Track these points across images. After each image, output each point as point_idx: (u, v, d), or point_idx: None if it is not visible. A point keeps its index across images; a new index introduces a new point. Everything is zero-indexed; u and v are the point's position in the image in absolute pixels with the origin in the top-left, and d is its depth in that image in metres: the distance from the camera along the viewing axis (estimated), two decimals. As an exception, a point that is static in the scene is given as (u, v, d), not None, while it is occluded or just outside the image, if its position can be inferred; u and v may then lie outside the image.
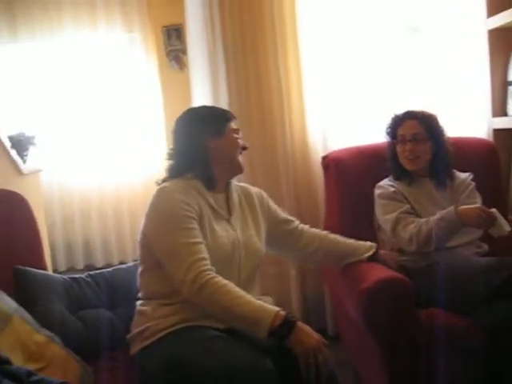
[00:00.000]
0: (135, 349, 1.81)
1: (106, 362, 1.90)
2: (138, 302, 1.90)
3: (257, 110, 2.98)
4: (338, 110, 3.02)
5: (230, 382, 1.50)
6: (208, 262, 1.71)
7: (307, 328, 1.61)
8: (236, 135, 1.94)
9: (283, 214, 2.11)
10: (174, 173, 1.90)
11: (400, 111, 2.43)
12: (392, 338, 1.93)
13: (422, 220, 2.21)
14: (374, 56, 3.03)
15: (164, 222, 1.78)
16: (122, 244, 4.02)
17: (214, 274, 1.67)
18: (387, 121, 2.47)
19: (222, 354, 1.57)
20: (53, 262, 3.68)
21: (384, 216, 2.32)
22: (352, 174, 2.60)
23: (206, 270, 1.67)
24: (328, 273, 2.52)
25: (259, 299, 1.86)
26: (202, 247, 1.74)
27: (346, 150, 2.73)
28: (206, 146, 1.87)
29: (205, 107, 2.13)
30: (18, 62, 3.81)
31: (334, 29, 2.99)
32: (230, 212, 1.92)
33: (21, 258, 2.01)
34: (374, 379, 2.18)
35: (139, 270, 1.92)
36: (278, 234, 2.07)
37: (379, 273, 1.98)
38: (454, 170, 2.43)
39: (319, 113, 2.97)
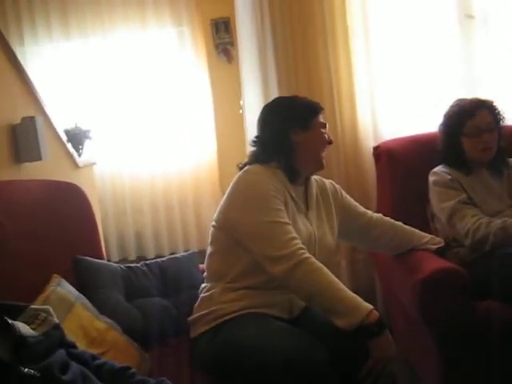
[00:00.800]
0: (196, 331, 1.83)
1: (161, 350, 1.95)
2: (204, 285, 1.91)
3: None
4: (388, 99, 2.97)
5: (283, 374, 1.50)
6: (300, 241, 1.68)
7: (390, 337, 1.59)
8: (323, 130, 1.89)
9: (358, 208, 2.06)
10: (259, 159, 1.88)
11: (456, 102, 2.38)
12: (447, 330, 1.90)
13: (484, 220, 2.14)
14: (428, 42, 2.96)
15: (253, 202, 1.75)
16: (172, 235, 4.08)
17: (309, 255, 1.65)
18: (450, 114, 2.38)
19: (279, 344, 1.57)
20: (106, 253, 3.77)
21: (440, 204, 2.28)
22: (405, 164, 2.56)
23: (302, 248, 1.65)
24: (380, 262, 2.50)
25: None
26: (292, 228, 1.71)
27: (398, 139, 2.70)
28: (290, 139, 1.85)
29: (293, 98, 2.02)
30: (71, 60, 3.89)
31: (386, 14, 2.94)
32: (307, 206, 1.90)
33: (80, 247, 2.06)
34: (428, 372, 2.15)
35: (208, 251, 1.91)
36: (352, 227, 2.04)
37: (435, 263, 1.95)
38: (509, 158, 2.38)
39: (370, 102, 2.94)
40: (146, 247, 4.09)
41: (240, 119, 3.60)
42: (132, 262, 3.81)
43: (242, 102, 3.28)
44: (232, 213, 1.80)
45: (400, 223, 2.09)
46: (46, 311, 1.23)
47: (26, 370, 1.01)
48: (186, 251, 3.76)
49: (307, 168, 1.89)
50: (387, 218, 2.08)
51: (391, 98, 2.98)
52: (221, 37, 4.06)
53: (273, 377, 1.52)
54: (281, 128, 1.86)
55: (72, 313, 1.69)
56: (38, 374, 1.02)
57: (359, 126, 2.95)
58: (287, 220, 1.72)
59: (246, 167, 1.86)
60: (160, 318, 1.99)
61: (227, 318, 1.74)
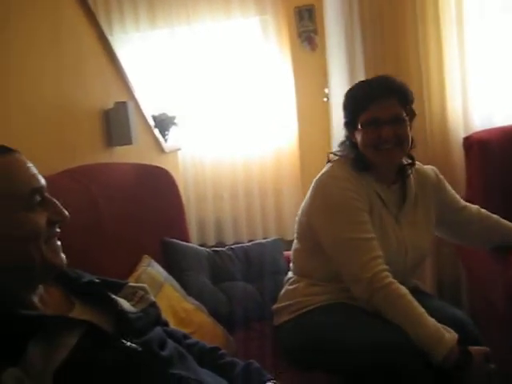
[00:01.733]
0: (280, 320, 1.83)
1: (246, 333, 1.97)
2: (289, 277, 1.90)
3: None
4: (481, 87, 2.84)
5: (372, 362, 1.47)
6: (383, 260, 1.60)
7: (479, 360, 1.47)
8: (370, 128, 1.68)
9: (458, 203, 1.89)
10: (343, 152, 1.79)
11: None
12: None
13: None
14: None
15: (334, 212, 1.67)
16: (251, 222, 4.10)
17: (391, 279, 1.57)
18: None
19: (367, 333, 1.55)
20: (187, 237, 3.85)
21: None
22: (498, 156, 2.44)
23: (382, 271, 1.57)
24: (468, 256, 2.40)
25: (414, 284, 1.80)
26: (376, 244, 1.62)
27: (490, 129, 2.59)
28: (351, 138, 1.77)
29: (354, 86, 1.81)
30: (158, 49, 3.98)
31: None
32: (401, 206, 1.76)
33: (167, 230, 2.11)
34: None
35: (295, 246, 1.89)
36: (448, 222, 1.89)
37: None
38: None
39: (461, 90, 2.82)
40: (225, 233, 4.12)
41: (323, 107, 3.56)
42: (211, 247, 3.87)
43: (326, 90, 3.25)
44: (314, 219, 1.73)
45: (497, 217, 1.92)
46: (143, 289, 1.27)
47: (129, 343, 1.04)
48: (264, 238, 3.78)
49: (375, 167, 1.73)
50: (485, 213, 1.91)
51: (484, 86, 2.85)
52: (304, 25, 4.01)
53: (359, 368, 1.50)
54: (347, 122, 1.78)
55: (162, 292, 1.74)
56: (140, 349, 1.04)
57: (449, 115, 2.84)
58: (370, 234, 1.62)
59: (328, 166, 1.78)
60: (245, 303, 2.02)
61: (312, 307, 1.73)
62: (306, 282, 1.80)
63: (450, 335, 1.48)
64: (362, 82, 1.83)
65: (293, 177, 3.92)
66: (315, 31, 3.95)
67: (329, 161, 1.81)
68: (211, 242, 4.09)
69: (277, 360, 1.74)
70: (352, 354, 1.53)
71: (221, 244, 4.02)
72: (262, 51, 3.95)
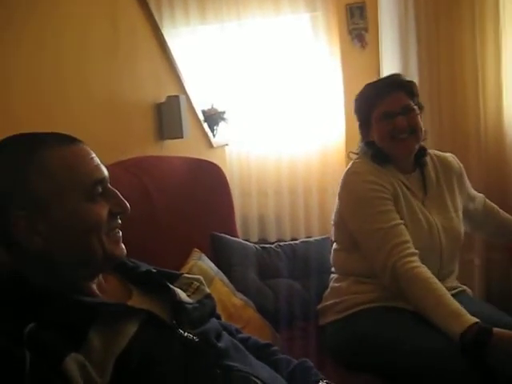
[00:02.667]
0: (325, 320, 1.83)
1: (292, 331, 1.95)
2: (333, 276, 1.90)
3: (448, 88, 2.83)
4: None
5: (423, 365, 1.45)
6: (410, 244, 1.63)
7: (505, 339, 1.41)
8: (385, 121, 1.75)
9: (472, 190, 1.97)
10: (368, 149, 1.84)
11: None
12: None
13: None
14: None
15: (358, 206, 1.74)
16: (294, 220, 4.08)
17: (416, 263, 1.59)
18: None
19: (417, 336, 1.52)
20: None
21: None
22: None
23: (406, 256, 1.60)
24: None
25: (456, 289, 1.77)
26: (402, 228, 1.67)
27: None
28: (368, 137, 1.84)
29: (365, 87, 1.88)
30: (207, 44, 3.99)
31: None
32: (425, 191, 1.81)
33: (217, 224, 2.12)
34: None
35: (334, 246, 1.91)
36: (472, 211, 1.94)
37: None
38: None
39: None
40: (268, 230, 4.12)
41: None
42: (253, 243, 3.87)
43: (377, 89, 3.21)
44: (345, 217, 1.79)
45: (497, 208, 2.01)
46: (199, 280, 1.27)
47: (186, 333, 1.04)
48: (307, 237, 3.76)
49: (395, 159, 1.80)
50: (489, 203, 2.01)
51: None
52: (355, 22, 3.97)
53: (406, 376, 1.48)
54: (362, 121, 1.86)
55: (212, 287, 1.74)
56: (197, 339, 1.04)
57: (505, 116, 2.75)
58: (395, 221, 1.67)
59: (351, 164, 1.83)
60: (291, 300, 2.01)
61: (358, 309, 1.72)
62: (350, 280, 1.80)
63: (471, 317, 1.46)
64: (369, 84, 1.87)
65: (338, 176, 3.82)
66: (366, 29, 3.90)
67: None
68: (254, 238, 4.09)
69: (322, 360, 1.72)
70: (401, 357, 1.51)
71: (263, 240, 4.02)
72: (311, 48, 3.92)
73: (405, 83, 1.80)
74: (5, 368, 0.79)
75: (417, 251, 1.63)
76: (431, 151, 1.90)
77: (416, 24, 2.80)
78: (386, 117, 1.74)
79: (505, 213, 2.00)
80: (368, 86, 1.85)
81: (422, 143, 1.83)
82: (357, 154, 1.90)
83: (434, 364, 1.43)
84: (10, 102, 1.44)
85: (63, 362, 0.83)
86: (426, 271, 1.59)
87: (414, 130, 1.74)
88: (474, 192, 1.98)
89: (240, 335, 1.34)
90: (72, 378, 0.83)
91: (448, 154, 1.94)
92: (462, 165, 1.94)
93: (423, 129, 1.78)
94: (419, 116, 1.77)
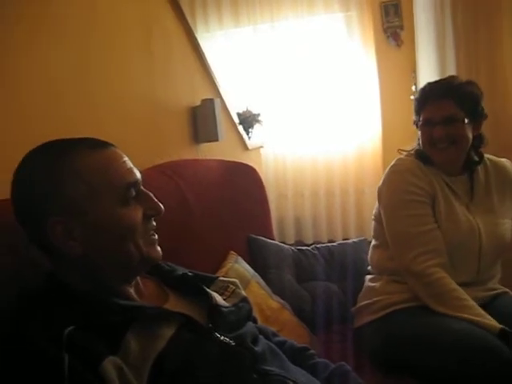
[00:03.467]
0: (360, 322, 1.82)
1: (329, 334, 1.94)
2: (368, 277, 1.91)
3: (488, 88, 2.73)
4: None
5: (464, 366, 1.42)
6: (437, 253, 1.64)
7: None
8: (425, 127, 1.75)
9: None
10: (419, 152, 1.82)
11: None
12: None
13: None
14: None
15: (393, 206, 1.75)
16: (331, 222, 4.05)
17: (442, 273, 1.62)
18: None
19: (457, 335, 1.49)
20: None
21: None
22: None
23: (432, 266, 1.62)
24: None
25: (496, 290, 1.74)
26: (432, 235, 1.67)
27: None
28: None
29: (425, 84, 1.85)
30: (241, 47, 4.00)
31: None
32: (472, 195, 1.79)
33: (253, 227, 2.11)
34: None
35: (372, 243, 1.91)
36: None
37: None
38: None
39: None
40: (305, 232, 4.10)
41: (408, 105, 3.45)
42: (290, 245, 3.87)
43: (414, 88, 3.16)
44: (382, 209, 1.80)
45: None
46: (234, 284, 1.26)
47: (222, 337, 1.04)
48: (344, 239, 3.73)
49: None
50: None
51: None
52: (390, 20, 3.92)
53: (448, 375, 1.45)
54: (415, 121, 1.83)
55: (248, 290, 1.73)
56: (234, 343, 1.04)
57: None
58: (427, 226, 1.67)
59: (395, 160, 1.82)
60: (328, 303, 1.99)
61: (392, 309, 1.71)
62: (384, 280, 1.80)
63: (492, 324, 1.49)
64: (429, 83, 1.84)
65: (375, 177, 3.82)
66: (401, 27, 3.85)
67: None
68: (290, 240, 4.07)
69: (359, 363, 1.70)
70: (440, 357, 1.48)
71: (300, 242, 4.00)
72: (345, 48, 3.89)
73: (458, 90, 1.73)
74: (44, 370, 0.80)
75: (442, 261, 1.64)
76: (486, 155, 1.85)
77: (453, 21, 2.75)
78: (427, 124, 1.74)
79: None
80: (424, 85, 1.83)
81: (481, 150, 1.81)
82: (406, 151, 1.88)
83: (476, 360, 1.41)
84: (60, 108, 1.47)
85: (101, 365, 0.84)
86: (450, 282, 1.61)
87: (455, 141, 1.72)
88: None
89: (276, 338, 1.33)
90: (109, 381, 0.84)
91: (503, 160, 1.89)
92: None
93: (471, 138, 1.74)
94: (468, 126, 1.72)
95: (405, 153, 1.87)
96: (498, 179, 1.83)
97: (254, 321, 1.31)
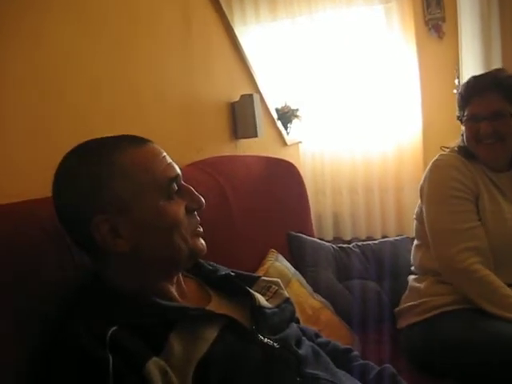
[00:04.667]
0: (404, 323, 1.78)
1: (371, 334, 1.90)
2: (411, 277, 1.86)
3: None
4: None
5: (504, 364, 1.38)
6: (477, 251, 1.60)
7: None
8: (472, 122, 1.69)
9: None
10: (463, 147, 1.76)
11: None
12: None
13: None
14: None
15: (435, 202, 1.71)
16: (370, 219, 4.00)
17: (486, 271, 1.58)
18: None
19: (506, 340, 1.43)
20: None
21: None
22: None
23: (475, 263, 1.58)
24: None
25: None
26: (475, 233, 1.62)
27: None
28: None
29: (468, 79, 1.79)
30: (279, 40, 3.97)
31: None
32: None
33: (293, 224, 2.09)
34: None
35: (414, 243, 1.87)
36: None
37: None
38: None
39: None
40: (343, 229, 4.06)
41: (451, 99, 3.36)
42: (328, 242, 3.84)
43: (457, 82, 3.08)
44: (424, 205, 1.76)
45: None
46: (277, 284, 1.24)
47: (266, 340, 1.01)
48: (383, 236, 3.67)
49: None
50: None
51: None
52: (432, 12, 3.83)
53: (494, 379, 1.41)
54: (459, 115, 1.77)
55: (289, 288, 1.71)
56: (278, 346, 1.02)
57: None
58: (468, 224, 1.63)
59: (438, 156, 1.77)
60: (371, 302, 1.96)
61: (439, 311, 1.67)
62: (429, 280, 1.75)
63: None
64: (473, 76, 1.78)
65: (415, 174, 3.75)
66: (443, 18, 3.75)
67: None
68: (329, 236, 4.05)
69: (398, 364, 1.66)
70: (487, 366, 1.44)
71: (338, 239, 3.96)
72: (385, 40, 3.83)
73: (504, 83, 1.67)
74: (89, 371, 0.80)
75: (485, 260, 1.60)
76: None
77: (500, 11, 2.65)
78: (473, 119, 1.69)
79: None
80: (469, 79, 1.77)
81: None
82: (449, 148, 1.82)
83: None
84: (93, 103, 1.47)
85: (145, 366, 0.83)
86: (496, 279, 1.57)
87: (502, 137, 1.67)
88: None
89: (319, 340, 1.30)
90: (154, 382, 0.82)
91: None
92: None
93: None
94: None
95: (447, 150, 1.81)
96: None
97: (297, 321, 1.28)
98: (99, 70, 1.49)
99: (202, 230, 1.04)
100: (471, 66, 2.78)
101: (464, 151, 1.74)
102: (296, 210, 2.14)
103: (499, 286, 1.56)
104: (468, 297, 1.60)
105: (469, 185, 1.67)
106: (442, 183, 1.70)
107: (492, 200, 1.68)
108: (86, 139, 1.00)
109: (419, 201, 1.81)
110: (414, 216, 1.85)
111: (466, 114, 1.71)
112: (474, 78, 1.74)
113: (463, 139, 1.76)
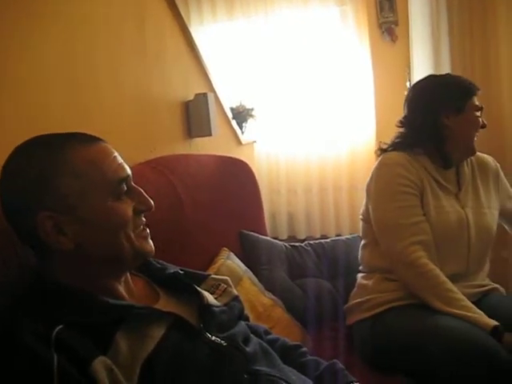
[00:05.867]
0: (353, 319, 1.82)
1: (324, 332, 1.93)
2: (360, 275, 1.90)
3: (482, 84, 2.73)
4: None
5: (457, 366, 1.40)
6: (422, 245, 1.66)
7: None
8: (477, 113, 1.77)
9: (510, 191, 1.93)
10: (402, 145, 1.81)
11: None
12: None
13: None
14: None
15: (382, 199, 1.75)
16: (324, 218, 4.05)
17: (431, 265, 1.63)
18: None
19: (451, 335, 1.47)
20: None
21: None
22: None
23: (421, 257, 1.64)
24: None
25: (486, 286, 1.75)
26: (421, 227, 1.68)
27: None
28: (441, 123, 1.76)
29: (446, 77, 1.89)
30: (235, 40, 3.97)
31: None
32: (459, 186, 1.81)
33: (245, 222, 2.10)
34: None
35: (362, 242, 1.91)
36: (510, 210, 1.92)
37: None
38: None
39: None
40: (298, 228, 4.09)
41: (402, 101, 3.45)
42: (282, 241, 3.87)
43: (408, 84, 3.15)
44: (371, 203, 1.80)
45: None
46: (226, 282, 1.25)
47: (214, 337, 1.02)
48: (337, 235, 3.72)
49: (457, 153, 1.79)
50: None
51: None
52: (385, 15, 3.90)
53: (441, 374, 1.44)
54: (432, 110, 1.77)
55: (240, 286, 1.72)
56: (225, 343, 1.03)
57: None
58: (416, 218, 1.68)
59: (385, 155, 1.82)
60: (321, 300, 1.99)
61: (385, 307, 1.71)
62: (377, 278, 1.80)
63: (486, 320, 1.51)
64: (451, 75, 1.89)
65: (369, 173, 3.78)
66: (396, 22, 3.83)
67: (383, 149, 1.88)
68: (283, 235, 4.07)
69: (351, 361, 1.69)
70: (431, 356, 1.47)
71: (293, 238, 3.99)
72: (340, 42, 3.88)
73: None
74: (33, 370, 0.79)
75: (430, 254, 1.66)
76: None
77: (448, 17, 2.75)
78: (478, 110, 1.78)
79: None
80: (454, 76, 1.88)
81: None
82: (386, 144, 1.88)
83: (470, 363, 1.39)
84: (47, 100, 1.45)
85: (91, 365, 0.82)
86: (440, 274, 1.63)
87: None
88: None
89: (269, 336, 1.32)
90: (100, 381, 0.82)
91: (486, 156, 1.94)
92: (499, 165, 1.93)
93: None
94: None
95: (385, 145, 1.88)
96: (482, 173, 1.87)
97: (246, 319, 1.30)
98: (51, 67, 1.47)
99: (148, 231, 1.04)
100: (422, 69, 2.85)
101: (410, 148, 1.78)
102: (249, 209, 2.15)
103: (443, 281, 1.61)
104: (413, 290, 1.66)
105: (415, 180, 1.72)
106: (389, 180, 1.74)
107: (434, 195, 1.74)
108: (34, 132, 0.99)
109: (364, 200, 1.85)
110: (361, 216, 1.89)
111: (472, 103, 1.76)
112: (460, 77, 1.85)
113: (427, 134, 1.79)
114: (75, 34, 1.59)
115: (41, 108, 1.41)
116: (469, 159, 1.86)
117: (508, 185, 1.93)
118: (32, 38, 1.40)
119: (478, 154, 1.89)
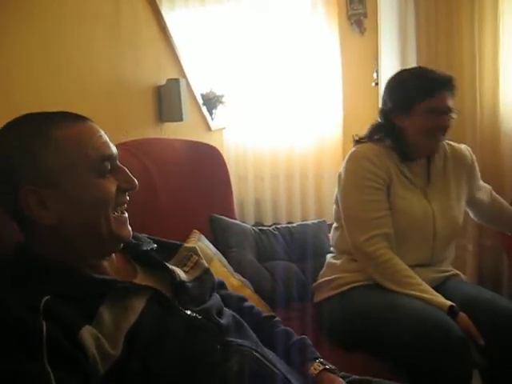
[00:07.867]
0: (320, 297, 1.88)
1: (287, 312, 1.98)
2: (329, 255, 1.97)
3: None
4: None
5: (417, 339, 1.48)
6: (384, 237, 1.72)
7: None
8: (432, 114, 1.72)
9: (480, 181, 1.99)
10: (374, 135, 1.87)
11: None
12: None
13: None
14: None
15: (350, 191, 1.81)
16: (290, 205, 4.12)
17: (390, 255, 1.70)
18: None
19: (410, 311, 1.56)
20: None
21: None
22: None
23: (382, 248, 1.71)
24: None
25: (448, 272, 1.84)
26: (384, 221, 1.74)
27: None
28: (393, 122, 1.81)
29: (412, 73, 1.84)
30: (206, 26, 3.97)
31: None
32: (428, 179, 1.85)
33: (216, 206, 2.14)
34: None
35: (334, 225, 1.97)
36: (478, 200, 1.98)
37: None
38: None
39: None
40: (264, 214, 4.15)
41: (370, 93, 3.53)
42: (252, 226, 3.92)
43: (375, 75, 3.23)
44: (339, 193, 1.86)
45: (505, 203, 2.04)
46: (196, 252, 1.29)
47: (189, 312, 1.07)
48: (303, 220, 3.79)
49: (417, 152, 1.81)
50: (495, 196, 2.03)
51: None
52: (354, 8, 3.98)
53: (402, 348, 1.52)
54: (387, 109, 1.83)
55: (211, 267, 1.74)
56: (200, 317, 1.07)
57: (501, 105, 2.77)
58: (380, 212, 1.74)
59: (356, 147, 1.86)
60: (288, 282, 2.04)
61: (351, 285, 1.78)
62: (345, 258, 1.86)
63: (442, 301, 1.58)
64: (425, 70, 1.83)
65: (335, 162, 3.90)
66: (365, 14, 3.92)
67: (357, 141, 1.91)
68: (250, 221, 4.12)
69: (317, 339, 1.75)
70: (393, 332, 1.55)
71: (259, 224, 4.05)
72: (310, 34, 3.92)
73: (454, 83, 1.77)
74: (23, 338, 0.82)
75: (391, 245, 1.73)
76: (446, 141, 1.90)
77: (415, 10, 2.81)
78: (434, 112, 1.73)
79: (509, 205, 2.05)
80: (422, 70, 1.82)
81: None
82: (359, 136, 1.91)
83: (427, 334, 1.47)
84: (23, 83, 1.46)
85: (79, 333, 0.86)
86: (399, 263, 1.70)
87: (446, 132, 1.78)
88: (481, 183, 2.00)
89: (245, 304, 1.38)
90: (88, 348, 0.86)
91: (463, 146, 1.96)
92: (474, 157, 1.95)
93: None
94: None
95: (359, 137, 1.91)
96: (456, 164, 1.89)
97: (221, 285, 1.36)
98: (23, 49, 1.48)
99: (127, 215, 1.07)
100: (389, 61, 2.92)
101: (381, 140, 1.83)
102: (219, 193, 2.19)
103: (402, 268, 1.69)
104: (373, 278, 1.73)
105: (382, 175, 1.76)
106: (357, 174, 1.79)
107: (402, 188, 1.78)
108: (10, 115, 1.01)
109: (337, 186, 1.90)
110: (334, 200, 1.94)
111: (424, 105, 1.72)
112: (433, 73, 1.77)
113: (379, 129, 1.85)
114: (47, 17, 1.60)
115: (14, 89, 1.43)
116: (444, 150, 1.89)
117: (479, 175, 1.97)
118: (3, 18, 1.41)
119: (454, 144, 1.93)
